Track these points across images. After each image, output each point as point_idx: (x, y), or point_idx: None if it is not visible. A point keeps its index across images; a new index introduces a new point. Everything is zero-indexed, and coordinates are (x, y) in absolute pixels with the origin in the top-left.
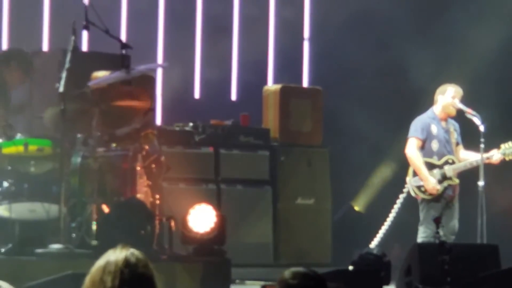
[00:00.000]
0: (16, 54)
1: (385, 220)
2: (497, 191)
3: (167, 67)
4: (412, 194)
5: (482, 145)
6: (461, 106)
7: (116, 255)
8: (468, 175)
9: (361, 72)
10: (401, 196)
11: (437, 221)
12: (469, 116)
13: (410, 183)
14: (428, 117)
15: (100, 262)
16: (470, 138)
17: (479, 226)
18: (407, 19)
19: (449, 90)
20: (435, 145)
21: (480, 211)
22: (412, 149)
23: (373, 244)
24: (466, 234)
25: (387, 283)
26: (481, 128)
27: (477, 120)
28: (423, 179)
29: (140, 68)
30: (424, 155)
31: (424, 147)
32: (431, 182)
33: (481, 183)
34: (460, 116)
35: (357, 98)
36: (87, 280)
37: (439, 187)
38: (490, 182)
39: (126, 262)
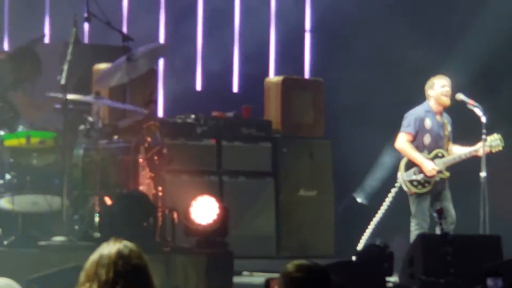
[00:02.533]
0: (30, 55)
1: (376, 213)
2: (499, 182)
3: (167, 47)
4: (405, 189)
5: (484, 136)
6: (463, 97)
7: (109, 248)
8: (470, 166)
9: (362, 64)
10: (393, 190)
11: (440, 212)
12: (470, 107)
13: (402, 177)
14: (423, 110)
15: (94, 257)
16: (470, 129)
17: (482, 217)
18: (410, 10)
19: (436, 82)
20: (427, 139)
21: (483, 202)
22: (401, 142)
23: (365, 237)
24: (468, 225)
25: (390, 275)
26: (483, 119)
27: (478, 111)
28: (419, 163)
29: (141, 49)
30: (416, 148)
31: (415, 141)
32: (429, 165)
33: (483, 174)
34: (461, 108)
35: (359, 89)
36: (82, 275)
37: (437, 168)
38: (492, 173)
39: (119, 255)
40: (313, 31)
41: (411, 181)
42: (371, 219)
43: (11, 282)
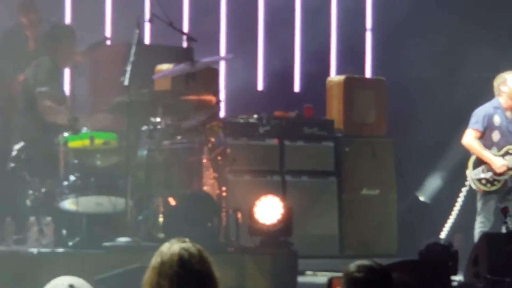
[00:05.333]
0: (65, 30)
1: (450, 213)
2: None
3: (231, 59)
4: (473, 187)
5: None
6: None
7: (170, 253)
8: None
9: (424, 62)
10: (464, 190)
11: (505, 211)
12: None
13: (470, 176)
14: (492, 106)
15: (154, 263)
16: None
17: None
18: (469, 8)
19: (509, 78)
20: (496, 136)
21: None
22: (469, 139)
23: (442, 237)
24: None
25: (455, 273)
26: None
27: None
28: (489, 161)
29: (204, 60)
30: (484, 146)
31: (483, 138)
32: (498, 161)
33: None
34: None
35: (420, 88)
36: (144, 284)
37: (507, 163)
38: None
39: (181, 262)
40: (374, 29)
41: (479, 179)
42: (434, 218)
43: (81, 280)
